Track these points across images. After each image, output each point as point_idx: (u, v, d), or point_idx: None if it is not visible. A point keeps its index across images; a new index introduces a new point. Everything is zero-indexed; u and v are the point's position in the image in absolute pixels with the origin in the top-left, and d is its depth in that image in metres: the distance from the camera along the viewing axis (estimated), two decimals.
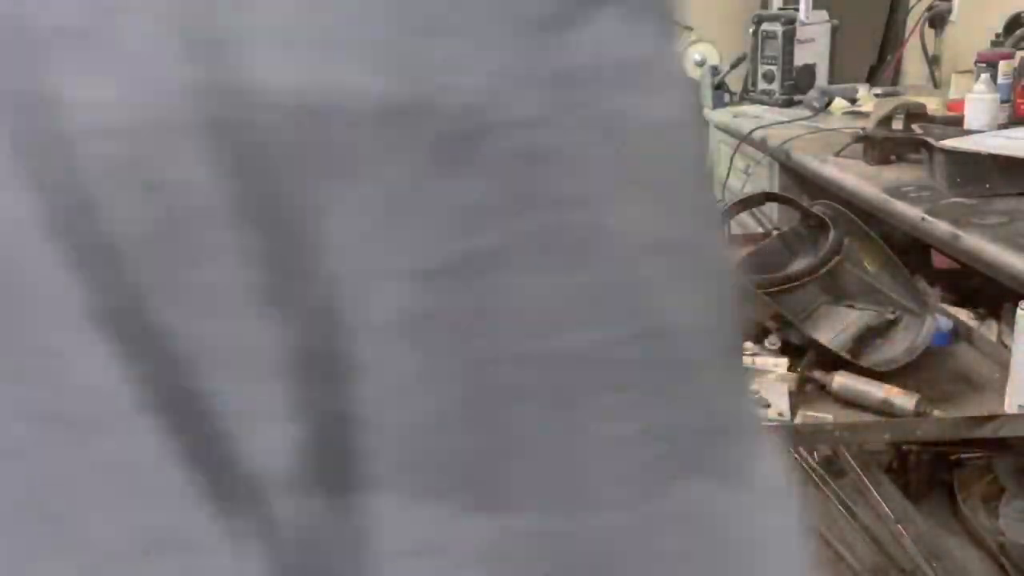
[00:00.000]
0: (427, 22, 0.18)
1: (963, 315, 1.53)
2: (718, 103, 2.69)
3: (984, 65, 1.92)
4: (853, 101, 2.43)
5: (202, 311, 0.19)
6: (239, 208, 0.18)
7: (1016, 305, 1.11)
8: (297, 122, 0.17)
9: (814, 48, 2.61)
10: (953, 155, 1.52)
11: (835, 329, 1.34)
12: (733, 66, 2.74)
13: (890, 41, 2.84)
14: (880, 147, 1.77)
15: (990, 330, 1.58)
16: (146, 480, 0.20)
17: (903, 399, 1.15)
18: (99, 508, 0.20)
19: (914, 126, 1.77)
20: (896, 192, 1.55)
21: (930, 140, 1.59)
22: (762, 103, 2.62)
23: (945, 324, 1.36)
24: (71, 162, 0.18)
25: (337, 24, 0.17)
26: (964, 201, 1.47)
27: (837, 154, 1.85)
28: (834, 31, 2.64)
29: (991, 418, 1.14)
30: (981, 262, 1.28)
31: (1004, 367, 1.19)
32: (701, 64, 2.76)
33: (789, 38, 2.57)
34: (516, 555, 0.21)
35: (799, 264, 1.44)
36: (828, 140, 1.99)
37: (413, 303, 0.19)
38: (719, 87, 2.71)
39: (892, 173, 1.70)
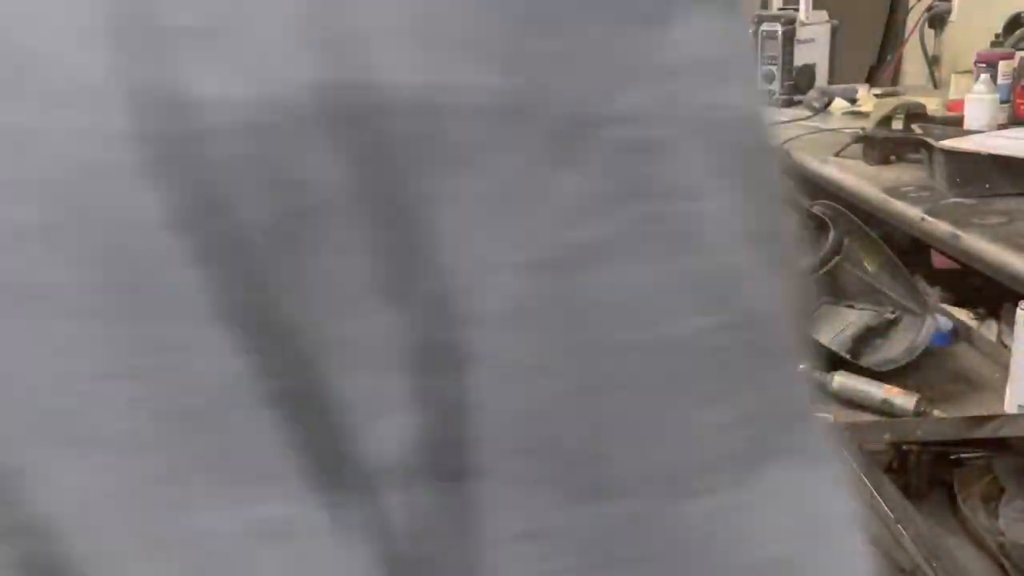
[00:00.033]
0: (539, 20, 0.19)
1: (963, 315, 1.53)
2: None
3: (984, 65, 1.93)
4: (853, 101, 2.43)
5: (325, 304, 0.19)
6: (361, 203, 0.18)
7: (1016, 305, 1.11)
8: (417, 118, 0.18)
9: (814, 48, 2.61)
10: (953, 155, 1.52)
11: (835, 329, 1.34)
12: None
13: (890, 41, 2.84)
14: (880, 147, 1.77)
15: (990, 330, 1.58)
16: (260, 472, 0.20)
17: (903, 399, 1.15)
18: (211, 500, 0.20)
19: (914, 126, 1.77)
20: (896, 192, 1.55)
21: (930, 140, 1.59)
22: None
23: (945, 324, 1.36)
24: (201, 159, 0.18)
25: (455, 22, 0.18)
26: (964, 201, 1.47)
27: (837, 154, 1.85)
28: (834, 31, 2.64)
29: (991, 418, 1.14)
30: (981, 262, 1.28)
31: (1004, 367, 1.19)
32: None
33: (789, 38, 2.57)
34: (615, 540, 0.21)
35: None
36: (828, 140, 1.99)
37: (524, 293, 0.19)
38: None
39: (892, 173, 1.70)
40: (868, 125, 1.87)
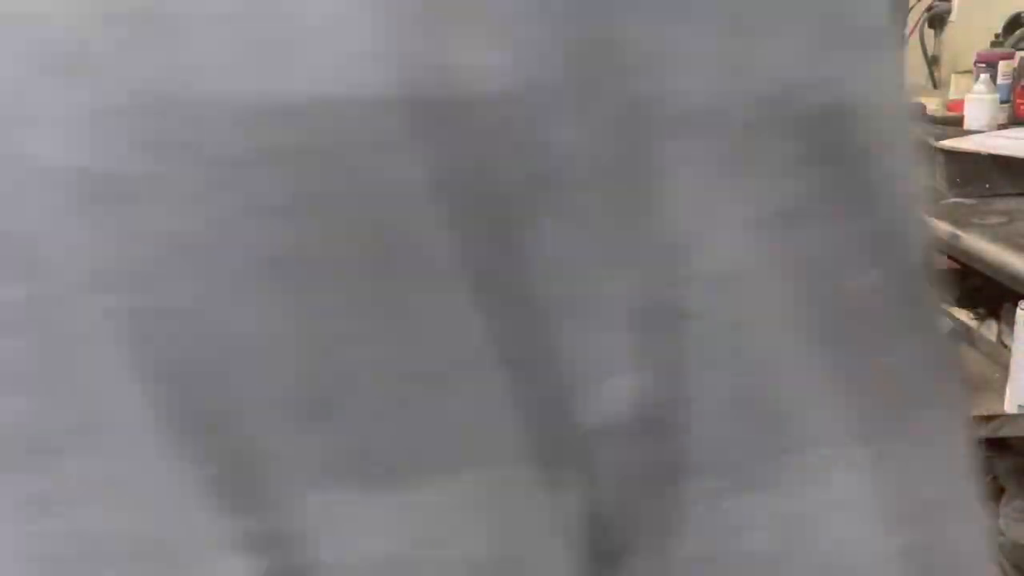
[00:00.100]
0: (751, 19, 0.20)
1: (963, 315, 1.53)
2: None
3: (984, 65, 1.92)
4: None
5: (563, 267, 0.20)
6: (599, 168, 0.19)
7: (1016, 305, 1.11)
8: (653, 81, 0.19)
9: None
10: (953, 155, 1.52)
11: None
12: None
13: None
14: None
15: (990, 330, 1.58)
16: (482, 436, 0.21)
17: None
18: (435, 464, 0.21)
19: None
20: None
21: (930, 140, 1.59)
22: None
23: (945, 324, 1.36)
24: (465, 126, 0.19)
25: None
26: (964, 201, 1.47)
27: None
28: None
29: (991, 418, 1.14)
30: (981, 262, 1.28)
31: (1004, 367, 1.19)
32: None
33: None
34: (807, 489, 0.22)
35: None
36: None
37: (742, 252, 0.20)
38: None
39: None
40: None
